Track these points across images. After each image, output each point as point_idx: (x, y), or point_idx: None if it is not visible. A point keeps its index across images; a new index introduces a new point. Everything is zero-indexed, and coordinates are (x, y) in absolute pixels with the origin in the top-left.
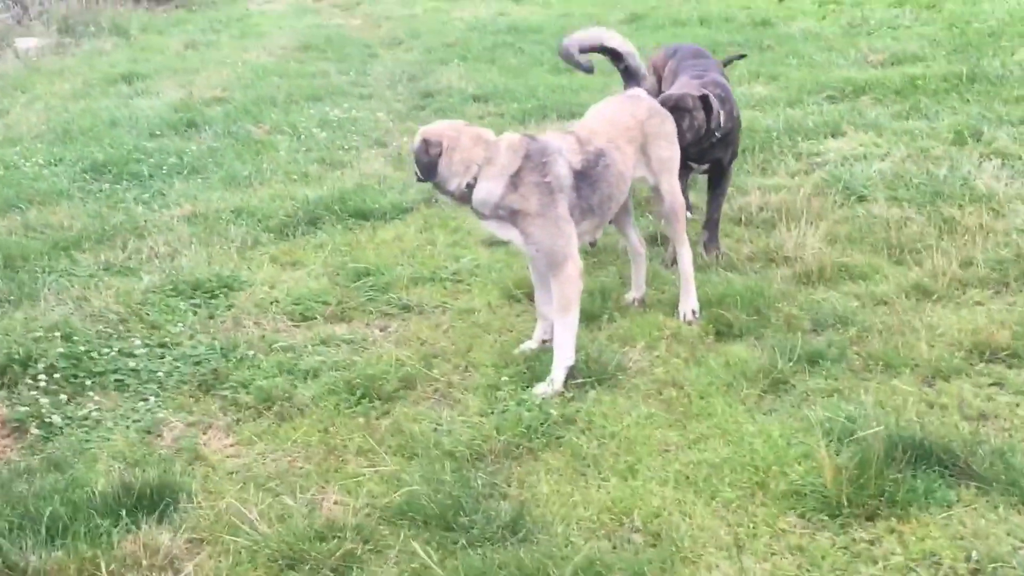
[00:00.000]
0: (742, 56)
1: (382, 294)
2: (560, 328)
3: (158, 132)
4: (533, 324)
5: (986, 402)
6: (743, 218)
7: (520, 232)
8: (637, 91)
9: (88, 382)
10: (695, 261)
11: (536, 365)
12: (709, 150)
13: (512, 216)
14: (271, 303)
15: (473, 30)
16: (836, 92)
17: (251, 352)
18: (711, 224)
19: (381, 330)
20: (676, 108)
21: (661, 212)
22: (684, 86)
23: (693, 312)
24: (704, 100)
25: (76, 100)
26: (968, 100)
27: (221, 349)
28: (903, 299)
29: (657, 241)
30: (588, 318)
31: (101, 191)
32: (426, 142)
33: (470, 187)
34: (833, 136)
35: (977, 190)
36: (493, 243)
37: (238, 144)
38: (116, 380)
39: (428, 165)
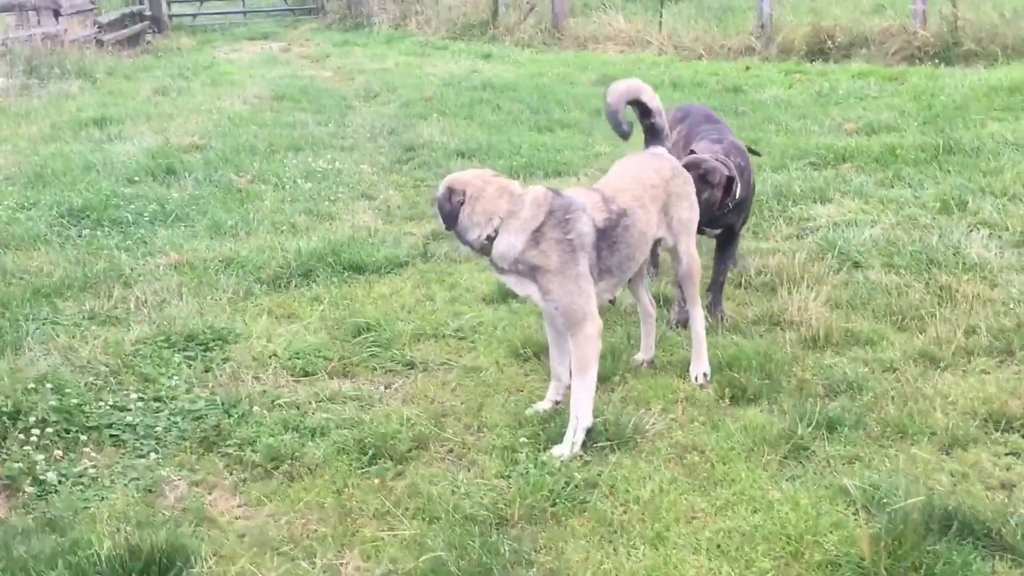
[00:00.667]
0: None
1: (384, 350)
2: (578, 389)
3: (136, 178)
4: (543, 384)
5: (1006, 472)
6: (743, 281)
7: (539, 288)
8: (660, 150)
9: (82, 437)
10: None
11: (551, 427)
12: (722, 216)
13: (531, 272)
14: (270, 357)
15: (448, 86)
16: (818, 159)
17: (254, 408)
18: (716, 287)
19: (386, 387)
20: (702, 179)
21: (677, 273)
22: (706, 152)
23: (705, 375)
24: (730, 182)
25: (46, 143)
26: (949, 171)
27: (222, 404)
28: (911, 366)
29: (660, 302)
30: (600, 379)
31: (80, 237)
32: (450, 190)
33: (490, 239)
34: (821, 202)
35: (969, 259)
36: (494, 300)
37: (221, 192)
38: (111, 435)
39: (450, 213)
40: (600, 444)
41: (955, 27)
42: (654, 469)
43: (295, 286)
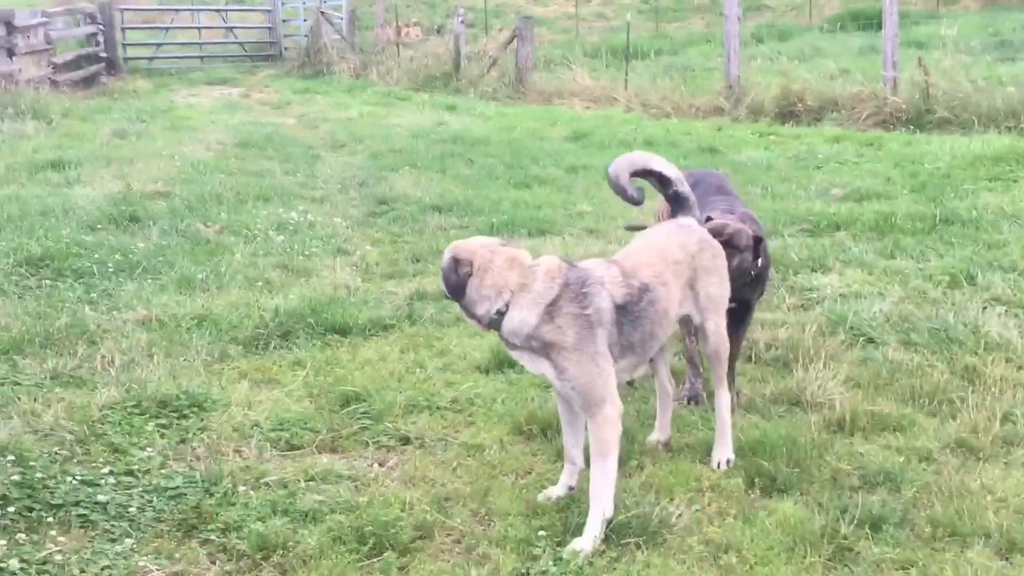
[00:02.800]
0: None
1: (376, 423)
2: (598, 476)
3: (98, 225)
4: (553, 466)
5: None
6: (752, 355)
7: (553, 366)
8: (688, 220)
9: (48, 517)
10: (707, 403)
11: (568, 516)
12: (741, 289)
13: (545, 349)
14: (251, 427)
15: (417, 137)
16: (811, 226)
17: (238, 487)
18: (729, 364)
19: (381, 465)
20: (729, 244)
21: (705, 352)
22: (721, 219)
23: (729, 461)
24: (757, 241)
25: (0, 186)
26: (951, 242)
27: (201, 481)
28: (949, 456)
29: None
30: None
31: (40, 288)
32: (455, 260)
33: (501, 314)
34: (822, 271)
35: (991, 338)
36: (490, 369)
37: (188, 243)
38: (79, 515)
39: (456, 285)
40: (625, 540)
41: (927, 94)
42: (687, 570)
43: (274, 348)
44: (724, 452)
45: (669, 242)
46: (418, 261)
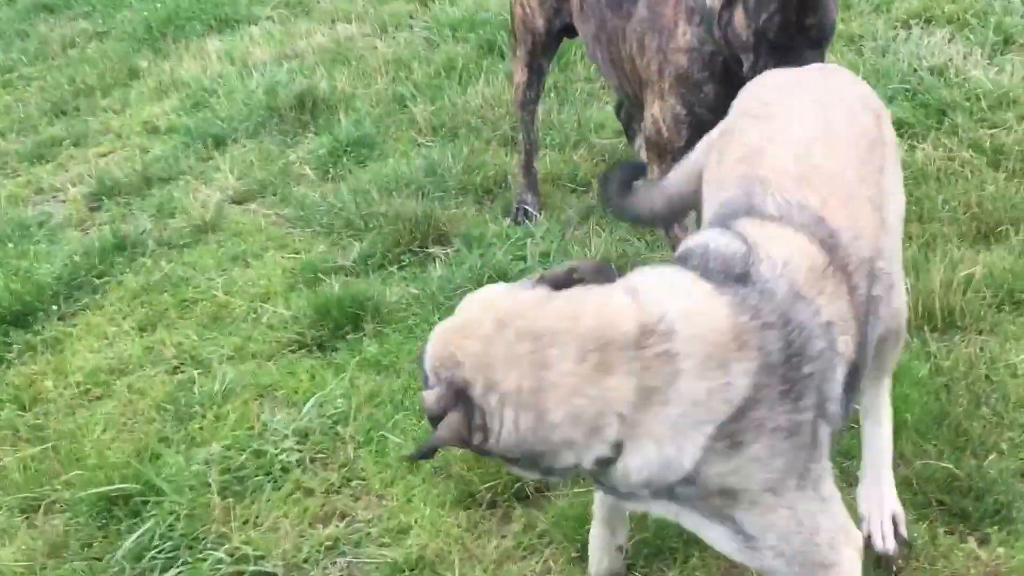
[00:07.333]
0: None
1: (191, 540)
2: None
3: None
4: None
5: None
6: None
7: (731, 531)
8: (836, 68)
9: None
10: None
11: None
12: None
13: (721, 502)
14: None
15: None
16: None
17: None
18: None
19: None
20: None
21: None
22: None
23: (895, 523)
24: None
25: None
26: None
27: None
28: None
29: None
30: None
31: None
32: None
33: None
34: None
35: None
36: (311, 343)
37: None
38: None
39: None
40: None
41: None
42: None
43: None
44: (887, 503)
45: (852, 110)
46: (64, 113)
